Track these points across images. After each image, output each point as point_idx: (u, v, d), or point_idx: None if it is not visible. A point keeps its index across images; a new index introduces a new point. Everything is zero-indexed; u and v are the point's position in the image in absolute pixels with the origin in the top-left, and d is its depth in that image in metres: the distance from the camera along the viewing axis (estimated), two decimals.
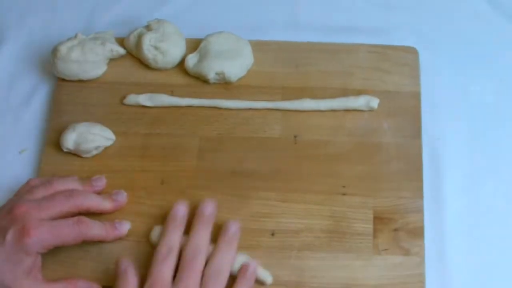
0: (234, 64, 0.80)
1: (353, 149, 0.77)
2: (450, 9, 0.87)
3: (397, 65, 0.81)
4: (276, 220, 0.74)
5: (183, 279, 0.66)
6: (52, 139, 0.79)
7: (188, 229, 0.70)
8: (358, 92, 0.79)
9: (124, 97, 0.80)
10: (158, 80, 0.81)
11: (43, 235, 0.67)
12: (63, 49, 0.80)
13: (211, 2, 0.88)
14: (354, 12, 0.87)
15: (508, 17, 0.85)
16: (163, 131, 0.79)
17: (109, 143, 0.78)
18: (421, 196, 0.74)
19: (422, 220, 0.73)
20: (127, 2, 0.89)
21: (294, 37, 0.84)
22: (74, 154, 0.78)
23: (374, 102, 0.79)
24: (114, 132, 0.78)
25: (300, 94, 0.79)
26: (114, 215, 0.74)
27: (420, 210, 0.73)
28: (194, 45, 0.82)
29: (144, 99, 0.79)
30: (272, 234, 0.73)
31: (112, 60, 0.82)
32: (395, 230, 0.73)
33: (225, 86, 0.81)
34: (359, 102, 0.79)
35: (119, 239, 0.72)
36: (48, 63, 0.82)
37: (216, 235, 0.70)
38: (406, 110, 0.79)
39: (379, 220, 0.73)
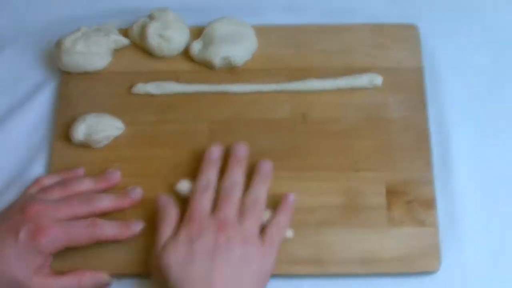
0: (239, 48, 0.80)
1: (361, 125, 0.78)
2: None
3: (398, 42, 0.83)
4: None
5: (222, 208, 0.69)
6: (61, 132, 0.79)
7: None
8: (362, 70, 0.80)
9: (130, 87, 0.81)
10: (164, 68, 0.82)
11: (57, 235, 0.68)
12: (67, 42, 0.80)
13: None
14: None
15: None
16: (172, 118, 0.79)
17: (118, 132, 0.78)
18: (431, 168, 0.75)
19: (433, 192, 0.74)
20: None
21: (293, 20, 0.85)
22: (84, 146, 0.78)
23: (378, 80, 0.80)
24: (123, 122, 0.79)
25: (305, 75, 0.80)
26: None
27: (430, 182, 0.75)
28: (196, 33, 0.83)
29: (152, 87, 0.80)
30: None
31: (116, 51, 0.83)
32: (409, 202, 0.74)
33: (230, 71, 0.81)
34: (364, 80, 0.80)
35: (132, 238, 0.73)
36: (53, 57, 0.83)
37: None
38: (410, 85, 0.80)
39: (392, 193, 0.74)
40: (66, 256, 0.71)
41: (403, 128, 0.78)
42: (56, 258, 0.70)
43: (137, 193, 0.74)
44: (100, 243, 0.71)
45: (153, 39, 0.81)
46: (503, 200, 0.75)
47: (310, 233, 0.73)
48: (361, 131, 0.78)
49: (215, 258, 0.66)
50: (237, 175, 0.72)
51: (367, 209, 0.74)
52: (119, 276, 0.72)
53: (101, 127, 0.77)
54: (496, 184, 0.76)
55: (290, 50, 0.83)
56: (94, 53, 0.81)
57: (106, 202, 0.72)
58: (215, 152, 0.74)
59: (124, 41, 0.82)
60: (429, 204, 0.74)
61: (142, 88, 0.80)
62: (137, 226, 0.72)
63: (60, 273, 0.70)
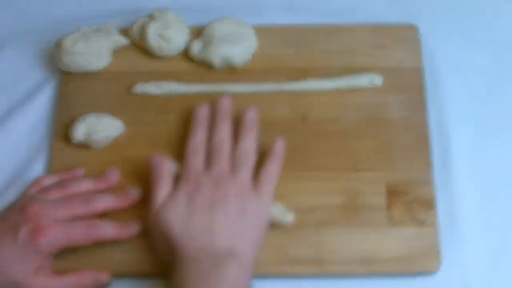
0: (239, 48, 0.81)
1: (361, 125, 0.78)
2: None
3: (398, 42, 0.83)
4: (290, 199, 0.74)
5: (214, 164, 0.72)
6: (60, 132, 0.79)
7: None
8: (362, 70, 0.80)
9: (130, 87, 0.81)
10: (163, 68, 0.82)
11: (56, 235, 0.68)
12: (67, 42, 0.80)
13: None
14: None
15: None
16: (172, 118, 0.79)
17: (118, 132, 0.78)
18: (431, 168, 0.75)
19: (433, 192, 0.74)
20: None
21: (293, 20, 0.85)
22: (84, 146, 0.78)
23: (378, 80, 0.80)
24: (123, 122, 0.79)
25: (305, 75, 0.80)
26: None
27: (430, 182, 0.75)
28: (196, 33, 0.83)
29: (152, 87, 0.80)
30: None
31: (116, 51, 0.83)
32: (409, 202, 0.74)
33: (230, 71, 0.81)
34: (363, 80, 0.80)
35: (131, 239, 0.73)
36: (53, 57, 0.83)
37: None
38: (410, 85, 0.80)
39: (392, 193, 0.74)
40: (66, 256, 0.71)
41: (403, 128, 0.78)
42: (56, 258, 0.70)
43: (136, 193, 0.74)
44: (100, 244, 0.71)
45: (153, 39, 0.81)
46: (503, 200, 0.75)
47: (310, 233, 0.73)
48: (361, 131, 0.78)
49: (213, 212, 0.68)
50: (224, 129, 0.74)
51: (367, 209, 0.74)
52: (118, 276, 0.72)
53: (101, 127, 0.77)
54: (496, 184, 0.76)
55: (290, 50, 0.83)
56: (94, 53, 0.81)
57: (106, 202, 0.72)
58: (203, 111, 0.76)
59: (124, 41, 0.82)
60: (429, 204, 0.74)
61: (142, 88, 0.80)
62: (136, 227, 0.72)
63: (60, 273, 0.70)
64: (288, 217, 0.72)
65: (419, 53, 0.82)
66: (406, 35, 0.83)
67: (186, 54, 0.82)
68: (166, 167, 0.72)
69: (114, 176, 0.76)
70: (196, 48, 0.81)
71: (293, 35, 0.84)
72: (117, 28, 0.83)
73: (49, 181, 0.75)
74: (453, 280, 0.71)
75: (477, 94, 0.81)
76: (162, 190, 0.71)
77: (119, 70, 0.82)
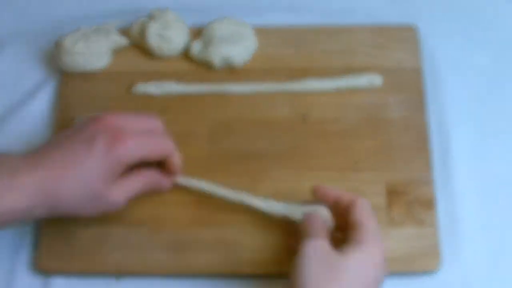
0: (239, 48, 0.81)
1: (361, 125, 0.78)
2: None
3: (398, 43, 0.83)
4: (290, 199, 0.74)
5: None
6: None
7: None
8: (361, 71, 0.80)
9: (130, 87, 0.81)
10: (163, 68, 0.82)
11: (134, 146, 0.67)
12: (67, 42, 0.80)
13: None
14: None
15: None
16: (172, 118, 0.78)
17: None
18: (431, 168, 0.75)
19: (433, 192, 0.74)
20: None
21: (293, 20, 0.85)
22: None
23: (377, 80, 0.80)
24: None
25: (305, 75, 0.80)
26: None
27: (430, 182, 0.75)
28: (196, 33, 0.83)
29: (152, 87, 0.80)
30: None
31: (116, 51, 0.83)
32: (409, 202, 0.74)
33: (230, 71, 0.81)
34: (363, 80, 0.80)
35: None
36: (53, 57, 0.83)
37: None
38: (410, 85, 0.80)
39: (392, 193, 0.74)
40: (67, 257, 0.72)
41: (403, 128, 0.78)
42: (57, 258, 0.70)
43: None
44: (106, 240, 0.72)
45: (153, 39, 0.81)
46: (503, 200, 0.75)
47: None
48: (361, 131, 0.78)
49: None
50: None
51: None
52: (119, 275, 0.73)
53: None
54: (496, 184, 0.76)
55: (290, 50, 0.83)
56: (94, 53, 0.81)
57: (171, 150, 0.72)
58: None
59: (124, 41, 0.82)
60: (429, 204, 0.74)
61: (142, 88, 0.80)
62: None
63: (126, 178, 0.69)
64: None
65: (419, 53, 0.82)
66: (406, 35, 0.83)
67: (186, 54, 0.82)
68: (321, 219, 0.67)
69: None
70: (196, 48, 0.81)
71: (293, 35, 0.84)
72: (117, 28, 0.84)
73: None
74: (453, 280, 0.71)
75: (477, 94, 0.81)
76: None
77: (119, 70, 0.82)
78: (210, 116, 0.79)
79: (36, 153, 0.66)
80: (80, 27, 0.82)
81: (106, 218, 0.72)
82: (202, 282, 0.72)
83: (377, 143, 0.77)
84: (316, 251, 0.62)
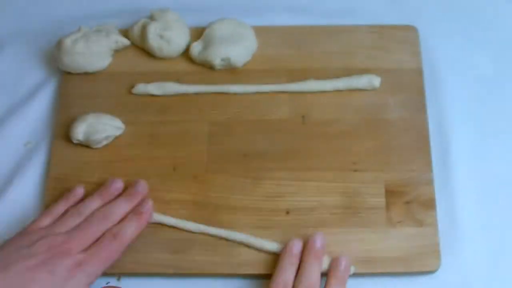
0: (239, 48, 0.81)
1: (361, 126, 0.78)
2: None
3: (397, 43, 0.83)
4: (289, 199, 0.75)
5: None
6: (60, 132, 0.79)
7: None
8: (361, 71, 0.81)
9: (130, 87, 0.81)
10: (164, 69, 0.82)
11: (93, 265, 0.67)
12: (67, 42, 0.80)
13: None
14: None
15: None
16: (172, 118, 0.79)
17: (119, 132, 0.78)
18: (430, 168, 0.76)
19: (433, 192, 0.74)
20: None
21: (293, 21, 0.85)
22: (84, 145, 0.78)
23: (376, 81, 0.80)
24: (123, 122, 0.79)
25: (304, 76, 0.81)
26: None
27: (430, 182, 0.75)
28: (196, 34, 0.83)
29: (153, 88, 0.80)
30: (287, 213, 0.74)
31: (116, 52, 0.83)
32: (408, 202, 0.74)
33: (230, 71, 0.82)
34: (362, 81, 0.80)
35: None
36: (53, 57, 0.83)
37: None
38: (410, 86, 0.80)
39: (391, 193, 0.74)
40: None
41: (403, 128, 0.78)
42: None
43: (144, 185, 0.74)
44: None
45: (154, 40, 0.81)
46: (503, 200, 0.75)
47: (309, 232, 0.72)
48: (360, 132, 0.78)
49: None
50: (314, 273, 0.69)
51: (367, 209, 0.74)
52: (119, 275, 0.73)
53: (101, 127, 0.77)
54: (496, 184, 0.76)
55: (290, 51, 0.83)
56: (94, 53, 0.81)
57: (122, 208, 0.72)
58: (296, 247, 0.71)
59: (125, 41, 0.82)
60: (429, 204, 0.74)
61: (142, 88, 0.80)
62: (148, 206, 0.72)
63: None
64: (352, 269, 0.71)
65: (419, 54, 0.82)
66: (406, 36, 0.83)
67: (186, 54, 0.82)
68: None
69: (118, 185, 0.74)
70: (196, 49, 0.81)
71: (293, 35, 0.84)
72: (118, 28, 0.84)
73: (59, 209, 0.73)
74: (453, 280, 0.72)
75: (477, 94, 0.81)
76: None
77: (119, 70, 0.82)
78: (209, 117, 0.79)
79: None
80: (80, 27, 0.82)
81: None
82: (202, 282, 0.72)
83: (377, 143, 0.77)
84: None
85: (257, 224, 0.73)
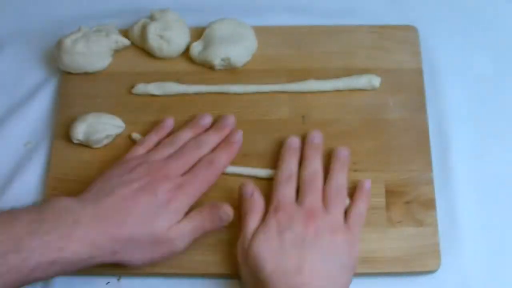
0: (239, 48, 0.81)
1: (360, 126, 0.78)
2: None
3: (397, 43, 0.83)
4: None
5: (307, 197, 0.70)
6: (60, 132, 0.79)
7: None
8: (361, 72, 0.81)
9: (130, 87, 0.81)
10: (164, 69, 0.82)
11: (190, 192, 0.70)
12: (67, 42, 0.80)
13: None
14: None
15: None
16: (172, 118, 0.79)
17: (119, 130, 0.78)
18: (430, 168, 0.76)
19: (433, 192, 0.74)
20: None
21: (293, 21, 0.85)
22: (84, 145, 0.78)
23: (376, 81, 0.80)
24: (123, 122, 0.79)
25: (304, 76, 0.81)
26: None
27: (430, 182, 0.75)
28: (196, 34, 0.83)
29: (153, 88, 0.80)
30: None
31: (116, 52, 0.83)
32: (408, 202, 0.74)
33: (230, 71, 0.82)
34: (362, 81, 0.80)
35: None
36: (53, 57, 0.83)
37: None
38: (410, 86, 0.80)
39: (391, 193, 0.74)
40: None
41: (403, 128, 0.78)
42: None
43: (232, 120, 0.77)
44: None
45: (154, 40, 0.81)
46: (502, 200, 0.75)
47: None
48: (360, 132, 0.78)
49: (305, 248, 0.66)
50: (316, 163, 0.73)
51: (367, 209, 0.74)
52: (119, 275, 0.73)
53: (101, 127, 0.77)
54: (496, 184, 0.76)
55: (290, 51, 0.83)
56: (94, 53, 0.81)
57: (213, 140, 0.75)
58: (295, 142, 0.75)
59: (125, 41, 0.82)
60: (429, 204, 0.74)
61: (142, 88, 0.80)
62: (238, 135, 0.76)
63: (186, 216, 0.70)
64: None
65: (419, 54, 0.82)
66: (406, 36, 0.83)
67: (186, 54, 0.82)
68: (261, 201, 0.71)
69: (206, 118, 0.77)
70: (196, 49, 0.82)
71: (293, 35, 0.84)
72: (118, 28, 0.84)
73: (151, 140, 0.76)
74: (453, 280, 0.72)
75: (477, 94, 0.81)
76: (253, 223, 0.69)
77: (119, 70, 0.82)
78: None
79: (95, 202, 0.67)
80: (80, 27, 0.82)
81: None
82: (202, 282, 0.72)
83: (377, 143, 0.77)
84: None
85: None
